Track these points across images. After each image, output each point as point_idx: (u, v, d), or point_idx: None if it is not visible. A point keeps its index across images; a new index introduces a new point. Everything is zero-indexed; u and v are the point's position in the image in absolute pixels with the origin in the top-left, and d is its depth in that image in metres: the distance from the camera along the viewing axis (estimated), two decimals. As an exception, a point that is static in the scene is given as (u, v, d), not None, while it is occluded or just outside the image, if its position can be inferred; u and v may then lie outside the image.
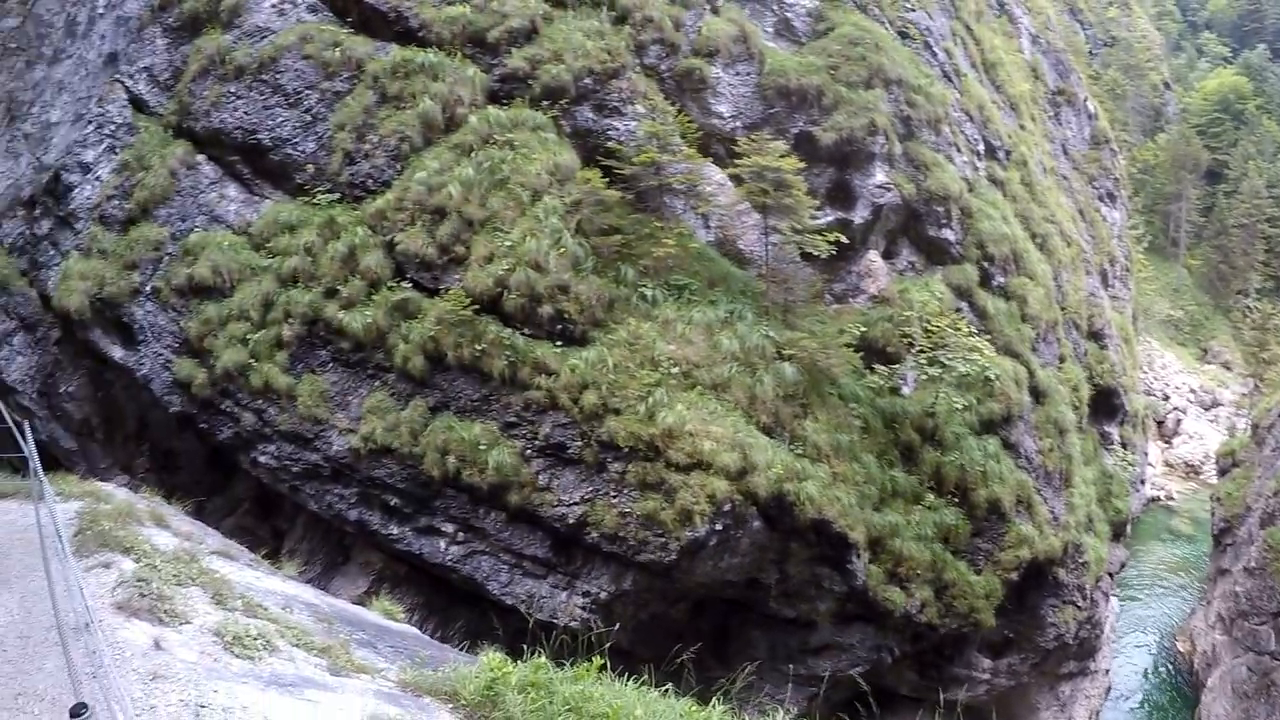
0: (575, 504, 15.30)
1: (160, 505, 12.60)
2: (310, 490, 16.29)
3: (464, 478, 15.21)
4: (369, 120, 17.00)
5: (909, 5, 25.68)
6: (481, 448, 15.18)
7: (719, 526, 15.02)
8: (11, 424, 12.92)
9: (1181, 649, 34.01)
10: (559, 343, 15.61)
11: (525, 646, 8.09)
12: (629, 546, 15.03)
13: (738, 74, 20.56)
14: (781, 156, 17.50)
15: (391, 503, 15.92)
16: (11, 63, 7.04)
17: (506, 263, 15.54)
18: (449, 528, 15.91)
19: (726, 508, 15.02)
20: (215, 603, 8.87)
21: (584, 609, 15.78)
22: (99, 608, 7.85)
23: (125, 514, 10.81)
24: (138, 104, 18.86)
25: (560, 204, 16.35)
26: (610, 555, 15.38)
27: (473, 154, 16.55)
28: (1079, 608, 21.68)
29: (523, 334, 15.53)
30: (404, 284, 15.84)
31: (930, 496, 18.24)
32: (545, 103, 17.62)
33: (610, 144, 17.92)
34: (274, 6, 18.72)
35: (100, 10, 8.23)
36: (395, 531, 16.13)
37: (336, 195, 16.68)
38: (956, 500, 18.32)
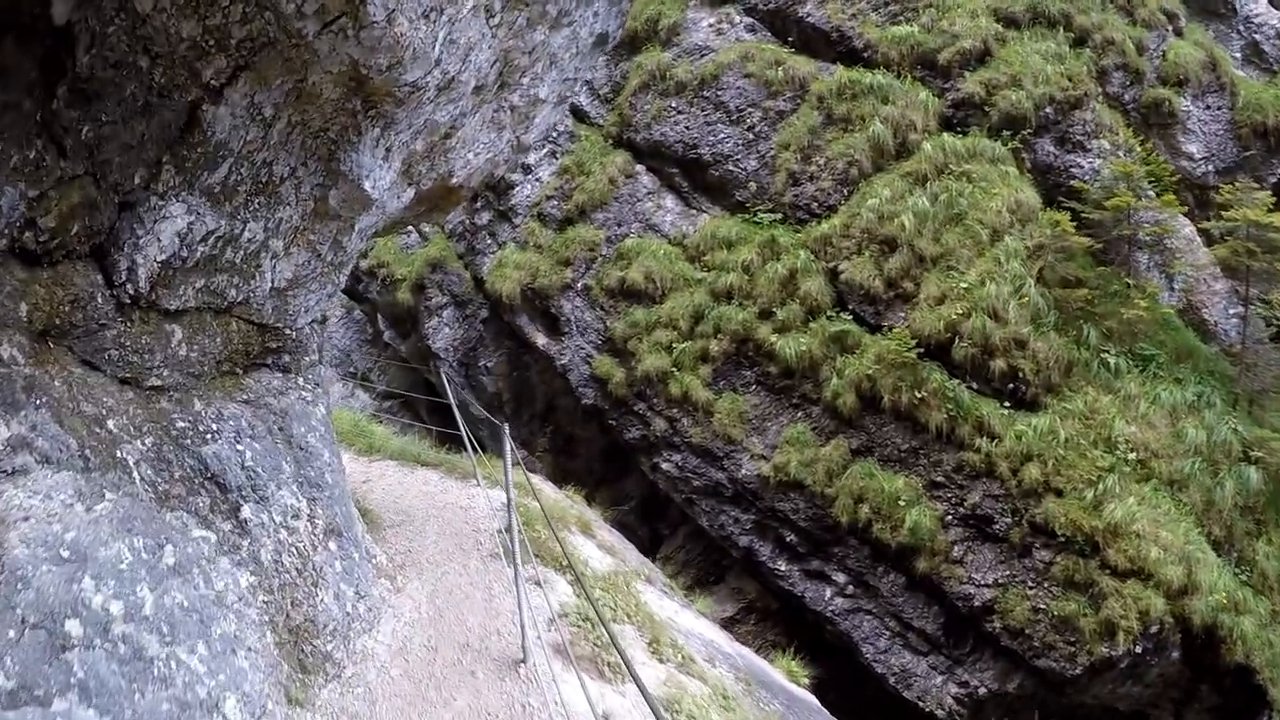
0: (986, 586, 12.37)
1: (584, 508, 11.16)
2: (705, 506, 14.58)
3: (873, 531, 12.78)
4: (814, 141, 14.90)
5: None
6: (901, 504, 12.64)
7: (1139, 649, 11.53)
8: (454, 404, 12.12)
9: None
10: (1006, 404, 12.66)
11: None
12: (1031, 647, 11.92)
13: (1208, 108, 16.46)
14: (1270, 210, 13.48)
15: (788, 539, 13.83)
16: (514, 17, 5.28)
17: (960, 306, 12.81)
18: (840, 578, 13.56)
19: (1154, 629, 11.49)
20: (651, 651, 7.08)
21: (956, 700, 12.90)
22: (535, 642, 6.08)
23: (556, 517, 9.06)
24: (578, 114, 18.31)
25: (1022, 247, 13.35)
26: (1005, 650, 12.34)
27: (927, 184, 13.96)
28: None
29: (969, 388, 12.75)
30: (843, 315, 13.59)
31: (1364, 663, 13.30)
32: (1005, 132, 14.65)
33: (1073, 183, 14.66)
34: (711, 26, 17.28)
35: (604, -25, 6.48)
36: (783, 568, 14.04)
37: (778, 215, 14.74)
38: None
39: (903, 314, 13.24)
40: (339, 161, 4.74)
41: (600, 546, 8.93)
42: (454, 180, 6.22)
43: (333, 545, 5.40)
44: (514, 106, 6.49)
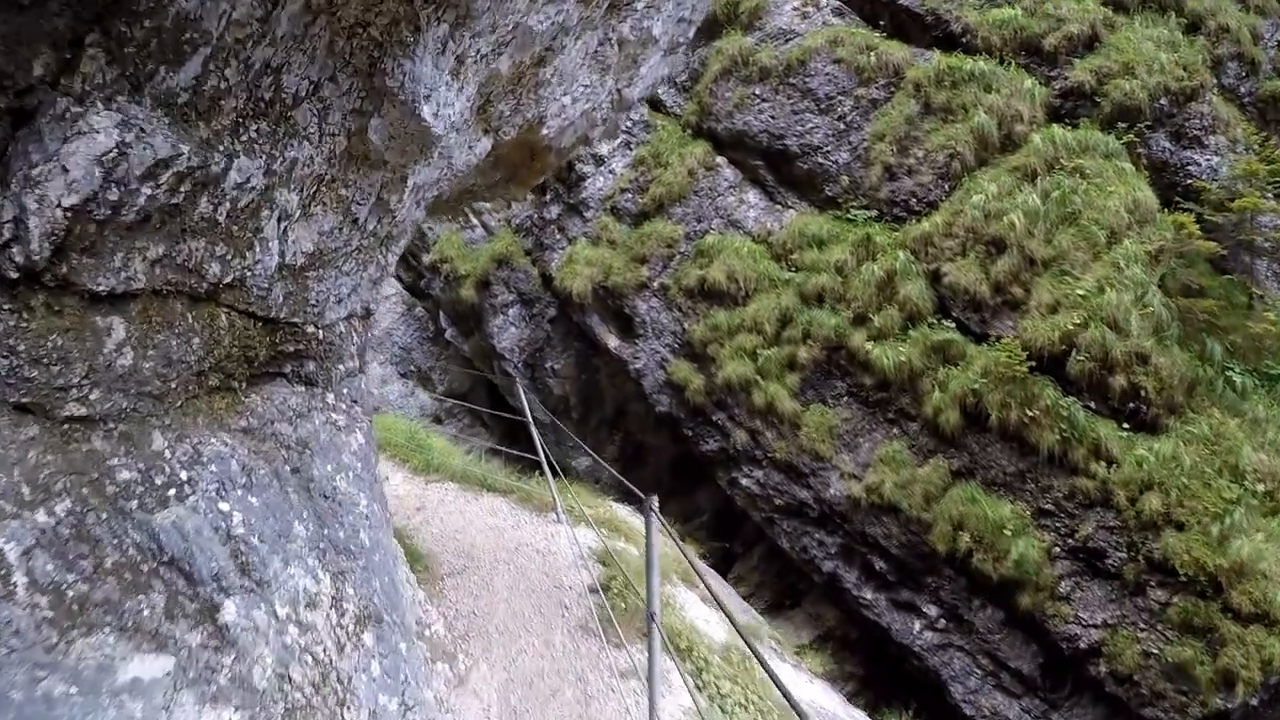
0: (1094, 626, 10.17)
1: (679, 544, 9.17)
2: (787, 527, 12.46)
3: (973, 562, 10.58)
4: (912, 132, 12.65)
5: None
6: (1006, 533, 10.43)
7: (1254, 701, 9.38)
8: (530, 421, 10.06)
9: None
10: (1125, 425, 10.36)
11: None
12: (1138, 695, 9.75)
13: (1326, 105, 13.98)
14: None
15: (876, 566, 11.69)
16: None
17: (1076, 315, 10.49)
18: (932, 610, 11.42)
19: (1275, 680, 9.29)
20: (788, 755, 4.97)
21: (1048, 747, 10.70)
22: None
23: (659, 569, 7.09)
24: (653, 103, 16.21)
25: (1142, 251, 11.07)
26: (1108, 697, 10.18)
27: (1036, 180, 11.67)
28: None
29: (1084, 407, 10.46)
30: (946, 322, 11.32)
31: None
32: (1121, 124, 12.34)
33: (1189, 181, 12.31)
34: (796, 9, 15.04)
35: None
36: (869, 597, 11.94)
37: (873, 212, 12.48)
38: None
39: (1010, 322, 10.97)
40: (385, 74, 2.81)
41: (703, 599, 6.79)
42: (544, 132, 4.26)
43: (368, 638, 3.26)
44: (623, 40, 4.52)
